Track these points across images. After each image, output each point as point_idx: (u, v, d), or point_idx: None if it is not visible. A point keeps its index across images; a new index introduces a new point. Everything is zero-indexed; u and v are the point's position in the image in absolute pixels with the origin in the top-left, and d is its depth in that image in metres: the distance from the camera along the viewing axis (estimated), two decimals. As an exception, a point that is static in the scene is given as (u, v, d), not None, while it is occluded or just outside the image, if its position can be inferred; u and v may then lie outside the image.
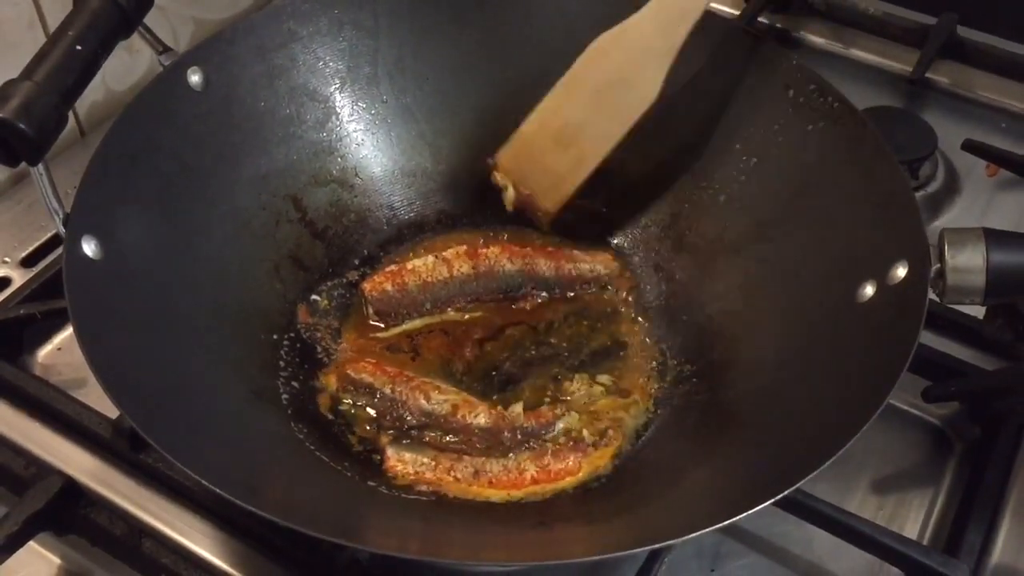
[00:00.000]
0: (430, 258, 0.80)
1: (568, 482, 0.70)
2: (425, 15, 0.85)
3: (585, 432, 0.72)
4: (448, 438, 0.72)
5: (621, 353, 0.78)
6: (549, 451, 0.71)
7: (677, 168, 0.83)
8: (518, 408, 0.73)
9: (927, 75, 1.05)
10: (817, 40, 1.11)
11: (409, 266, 0.79)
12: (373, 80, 0.84)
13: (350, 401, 0.74)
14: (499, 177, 0.82)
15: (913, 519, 0.73)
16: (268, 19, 0.79)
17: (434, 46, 0.85)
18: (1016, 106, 1.05)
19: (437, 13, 0.85)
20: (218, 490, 0.53)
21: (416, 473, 0.69)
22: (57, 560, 0.70)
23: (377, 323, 0.79)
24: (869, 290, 0.67)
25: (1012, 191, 0.97)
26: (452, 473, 0.69)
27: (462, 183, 0.86)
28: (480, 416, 0.73)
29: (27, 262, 0.86)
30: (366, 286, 0.79)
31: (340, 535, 0.57)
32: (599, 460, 0.71)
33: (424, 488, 0.68)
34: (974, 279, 0.62)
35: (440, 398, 0.73)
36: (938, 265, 0.62)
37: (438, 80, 0.85)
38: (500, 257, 0.80)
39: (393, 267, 0.80)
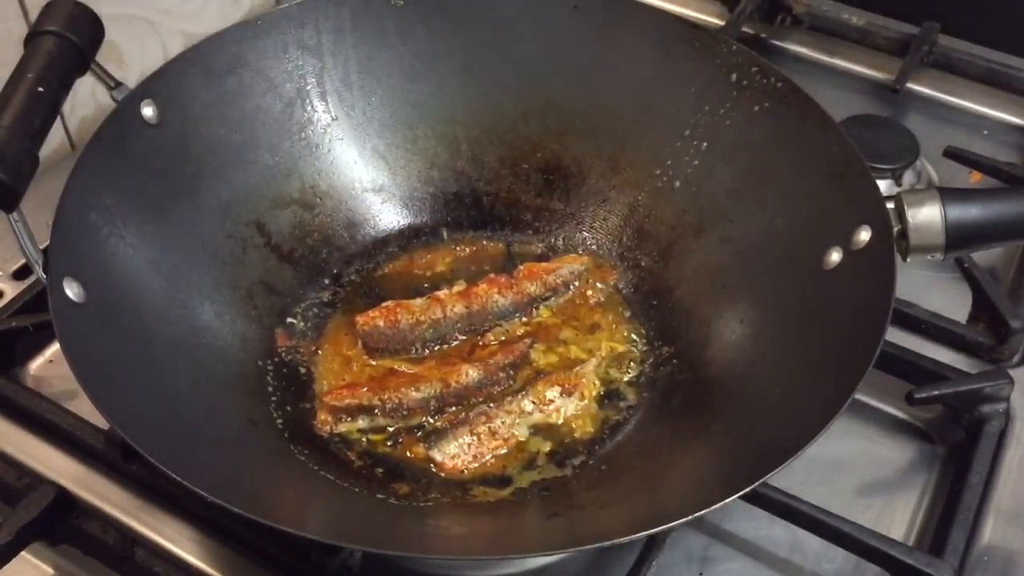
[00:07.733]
0: (424, 299, 0.80)
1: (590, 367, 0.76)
2: (368, 29, 0.84)
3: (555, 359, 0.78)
4: (460, 409, 0.74)
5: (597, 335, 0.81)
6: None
7: (630, 159, 0.84)
8: (493, 340, 0.78)
9: (909, 84, 1.06)
10: (801, 50, 1.13)
11: (404, 304, 0.80)
12: (322, 98, 0.84)
13: (353, 426, 0.74)
14: None
15: (899, 521, 0.73)
16: (214, 46, 0.79)
17: (379, 60, 0.85)
18: (997, 113, 1.06)
19: (380, 26, 0.84)
20: (233, 508, 0.54)
21: (475, 457, 0.71)
22: (50, 570, 0.70)
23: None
24: (835, 256, 0.69)
25: (994, 197, 0.98)
26: (496, 436, 0.72)
27: (419, 194, 0.86)
28: (470, 372, 0.75)
29: (19, 275, 0.86)
30: (360, 319, 0.79)
31: (362, 543, 0.58)
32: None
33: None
34: (934, 236, 0.65)
35: (426, 383, 0.75)
36: (899, 226, 0.65)
37: (386, 93, 0.86)
38: (490, 292, 0.81)
39: (389, 303, 0.80)
